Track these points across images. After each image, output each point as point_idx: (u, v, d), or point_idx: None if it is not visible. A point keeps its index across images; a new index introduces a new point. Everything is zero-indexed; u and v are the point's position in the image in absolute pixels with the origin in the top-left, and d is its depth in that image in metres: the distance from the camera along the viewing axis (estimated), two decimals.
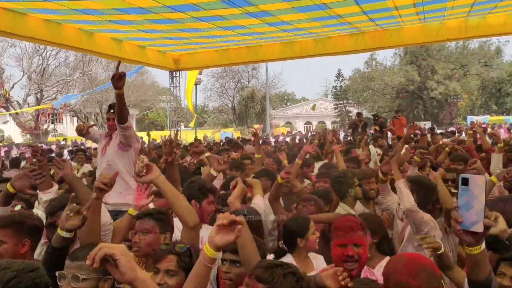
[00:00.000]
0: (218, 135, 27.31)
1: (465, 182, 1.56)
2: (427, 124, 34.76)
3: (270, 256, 2.45)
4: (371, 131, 12.99)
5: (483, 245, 1.57)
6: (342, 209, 3.51)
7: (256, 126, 33.72)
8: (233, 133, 22.74)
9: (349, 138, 14.46)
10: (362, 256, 2.18)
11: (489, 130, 8.32)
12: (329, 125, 51.42)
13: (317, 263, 2.70)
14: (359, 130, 14.17)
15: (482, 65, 40.92)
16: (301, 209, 3.27)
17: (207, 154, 5.44)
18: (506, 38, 38.18)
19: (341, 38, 10.33)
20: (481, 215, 1.52)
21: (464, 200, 1.55)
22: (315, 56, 11.69)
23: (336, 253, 2.21)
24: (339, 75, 48.37)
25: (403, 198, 3.11)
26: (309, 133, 29.38)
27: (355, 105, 45.36)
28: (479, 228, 1.52)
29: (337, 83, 48.88)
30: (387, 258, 2.89)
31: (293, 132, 36.52)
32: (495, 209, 2.09)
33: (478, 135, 6.79)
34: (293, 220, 2.85)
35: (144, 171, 2.12)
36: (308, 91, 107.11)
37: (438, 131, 21.50)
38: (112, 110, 4.22)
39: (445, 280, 1.78)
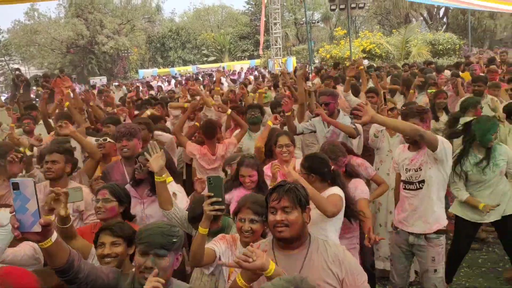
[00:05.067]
0: None
1: (16, 186, 1.57)
2: (103, 79, 34.92)
3: None
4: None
5: (54, 237, 1.65)
6: None
7: None
8: None
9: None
10: None
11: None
12: None
13: None
14: (21, 91, 12.59)
15: (146, 21, 43.67)
16: None
17: None
18: None
19: None
20: (36, 216, 1.57)
21: (19, 204, 1.56)
22: None
23: None
24: None
25: None
26: None
27: (21, 61, 40.14)
28: (38, 228, 1.58)
29: None
30: None
31: None
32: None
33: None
34: None
35: None
36: None
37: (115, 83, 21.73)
38: None
39: None
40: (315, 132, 4.61)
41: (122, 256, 2.29)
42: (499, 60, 10.42)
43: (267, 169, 3.62)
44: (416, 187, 3.29)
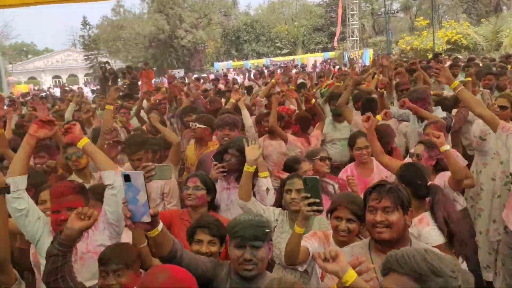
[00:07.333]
0: None
1: (128, 178, 1.66)
2: (180, 72, 36.39)
3: None
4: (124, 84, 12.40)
5: (160, 227, 1.77)
6: None
7: None
8: None
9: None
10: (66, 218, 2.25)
11: None
12: (81, 78, 47.56)
13: None
14: (110, 83, 13.41)
15: (222, 15, 44.65)
16: None
17: None
18: None
19: None
20: (146, 207, 1.67)
21: (130, 195, 1.67)
22: (50, 3, 10.24)
23: (52, 220, 2.34)
24: (85, 23, 44.51)
25: None
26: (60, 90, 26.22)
27: (108, 55, 43.13)
28: (148, 218, 1.69)
29: (84, 32, 45.00)
30: None
31: (36, 89, 31.99)
32: None
33: None
34: None
35: None
36: (52, 41, 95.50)
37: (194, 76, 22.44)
38: None
39: None
40: (408, 121, 4.52)
41: (216, 255, 2.33)
42: None
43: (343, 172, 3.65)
44: None
